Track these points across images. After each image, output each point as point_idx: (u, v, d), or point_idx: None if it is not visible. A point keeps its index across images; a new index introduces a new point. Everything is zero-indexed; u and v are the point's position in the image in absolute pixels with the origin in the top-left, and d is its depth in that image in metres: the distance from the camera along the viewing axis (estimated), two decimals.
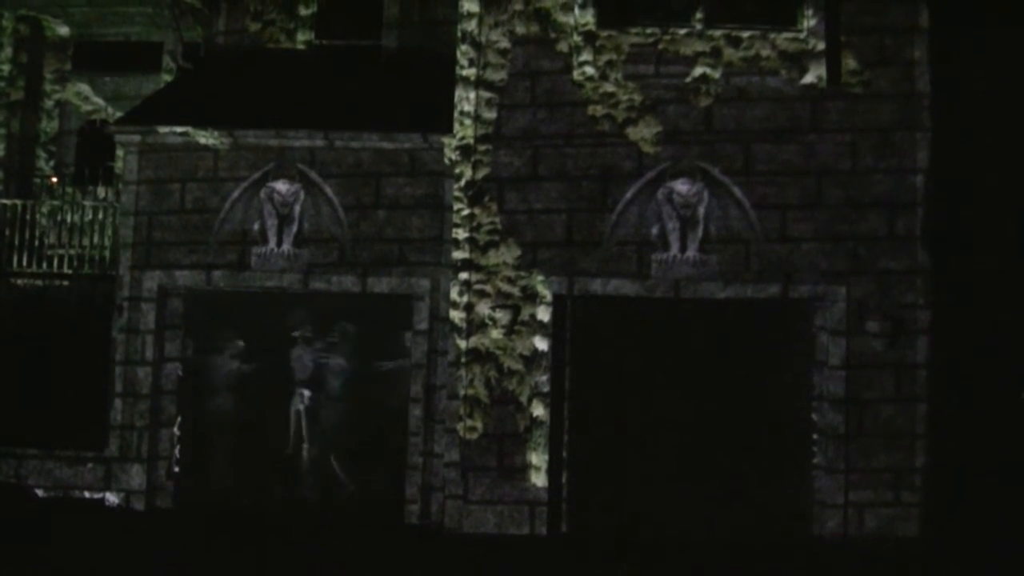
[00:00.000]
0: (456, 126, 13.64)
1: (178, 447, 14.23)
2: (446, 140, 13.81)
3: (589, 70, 13.54)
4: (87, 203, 16.75)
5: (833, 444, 13.10)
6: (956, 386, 13.23)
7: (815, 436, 13.26)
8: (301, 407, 14.19)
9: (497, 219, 13.49)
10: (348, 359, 14.25)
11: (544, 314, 13.38)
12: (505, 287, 13.40)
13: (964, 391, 13.29)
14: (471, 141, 13.58)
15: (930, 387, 13.07)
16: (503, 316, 13.36)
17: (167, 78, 17.95)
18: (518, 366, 13.34)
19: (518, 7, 13.68)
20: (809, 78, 13.35)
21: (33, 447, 14.51)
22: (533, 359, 13.35)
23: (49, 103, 18.55)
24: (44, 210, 17.15)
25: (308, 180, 14.12)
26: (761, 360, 13.44)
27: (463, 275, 13.47)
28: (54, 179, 18.05)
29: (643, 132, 13.43)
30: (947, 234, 13.33)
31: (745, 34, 13.47)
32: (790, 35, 13.46)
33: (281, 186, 14.12)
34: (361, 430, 14.17)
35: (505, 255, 13.44)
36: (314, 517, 13.67)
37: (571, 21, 13.61)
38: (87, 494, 14.31)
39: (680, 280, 13.32)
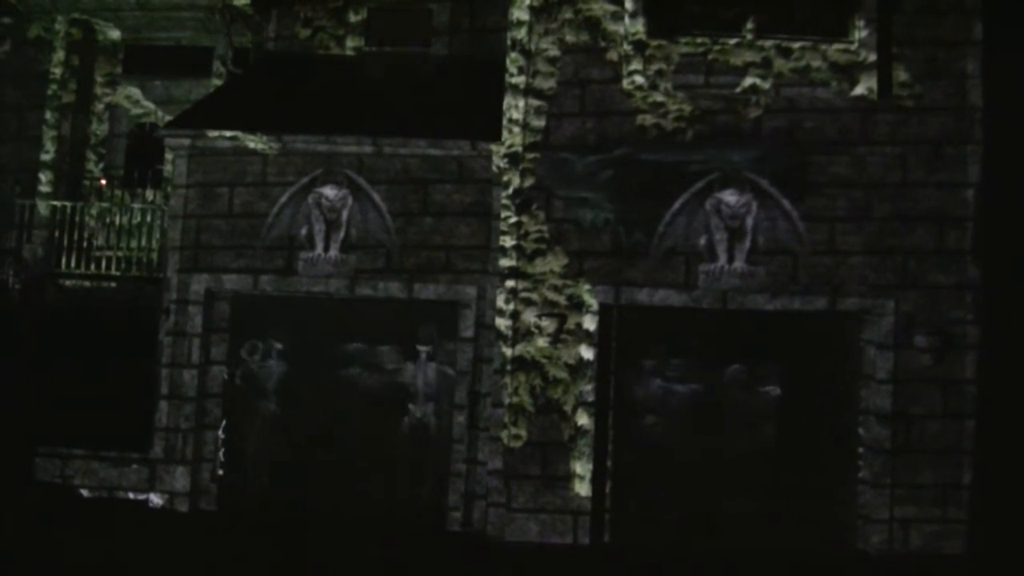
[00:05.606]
0: (504, 134, 13.66)
1: (223, 450, 14.30)
2: (494, 148, 13.83)
3: (639, 79, 13.51)
4: (136, 206, 16.91)
5: (879, 459, 13.01)
6: (1004, 402, 13.08)
7: (861, 450, 13.17)
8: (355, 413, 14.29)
9: (544, 227, 13.49)
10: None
11: (590, 323, 13.35)
12: (551, 295, 13.39)
13: (1012, 408, 13.14)
14: (519, 149, 13.58)
15: (978, 403, 12.96)
16: (549, 324, 13.35)
17: (217, 83, 18.03)
18: (563, 375, 13.32)
19: (568, 16, 13.68)
20: (860, 90, 13.28)
21: (79, 447, 14.63)
22: (578, 368, 13.33)
23: (99, 106, 18.65)
24: (93, 212, 17.30)
25: (356, 186, 14.17)
26: (808, 373, 13.36)
27: (509, 283, 13.47)
28: (103, 181, 18.20)
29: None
30: (997, 249, 13.21)
31: (796, 45, 13.42)
32: (841, 46, 13.39)
33: (329, 191, 14.18)
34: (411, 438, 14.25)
35: (552, 263, 13.43)
36: (356, 523, 13.67)
37: (621, 30, 13.60)
38: (131, 495, 14.40)
39: (727, 291, 13.26)
